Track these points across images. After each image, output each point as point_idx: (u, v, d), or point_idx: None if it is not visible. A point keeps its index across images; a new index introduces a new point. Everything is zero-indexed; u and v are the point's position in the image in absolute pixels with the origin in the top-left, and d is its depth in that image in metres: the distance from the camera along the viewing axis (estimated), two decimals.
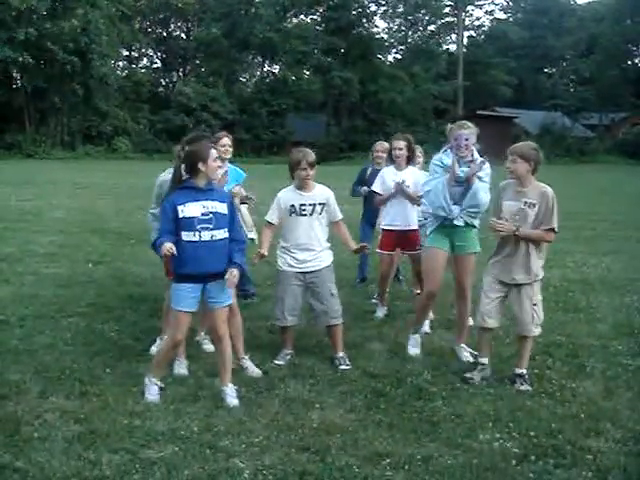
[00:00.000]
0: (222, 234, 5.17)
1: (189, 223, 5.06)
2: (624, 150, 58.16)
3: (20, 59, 44.40)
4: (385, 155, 8.77)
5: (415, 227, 7.81)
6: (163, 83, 66.28)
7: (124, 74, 62.56)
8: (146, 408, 5.03)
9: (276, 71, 68.52)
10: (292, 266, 6.23)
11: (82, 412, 4.92)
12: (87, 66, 48.33)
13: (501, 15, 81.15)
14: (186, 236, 5.07)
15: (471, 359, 6.32)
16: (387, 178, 7.88)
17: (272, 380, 5.71)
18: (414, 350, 6.52)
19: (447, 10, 72.80)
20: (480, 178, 6.18)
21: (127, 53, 65.43)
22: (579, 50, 70.72)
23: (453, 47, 74.86)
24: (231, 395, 5.27)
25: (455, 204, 6.22)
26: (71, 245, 11.97)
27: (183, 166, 5.19)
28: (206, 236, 5.09)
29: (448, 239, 6.41)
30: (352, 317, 7.69)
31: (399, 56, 72.82)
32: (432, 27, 73.84)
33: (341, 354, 6.26)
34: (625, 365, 6.24)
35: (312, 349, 6.57)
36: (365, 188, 8.86)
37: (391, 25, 72.99)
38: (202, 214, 5.08)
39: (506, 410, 5.11)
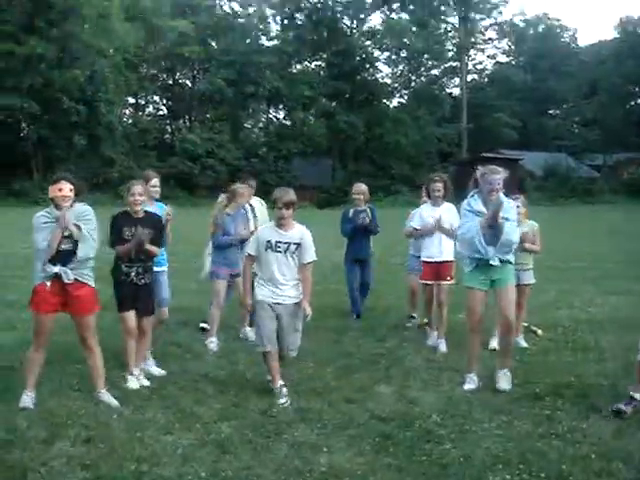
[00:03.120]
0: None
1: None
2: (630, 190, 58.16)
3: (26, 106, 44.89)
4: (362, 197, 10.04)
5: (450, 258, 8.63)
6: (169, 130, 66.82)
7: (130, 121, 63.17)
8: (153, 453, 5.00)
9: (281, 116, 69.18)
10: (265, 296, 6.48)
11: (89, 458, 4.89)
12: (94, 114, 48.85)
13: (503, 58, 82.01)
14: None
15: (506, 387, 6.59)
16: (425, 214, 8.73)
17: (280, 424, 5.66)
18: (468, 386, 6.70)
19: (450, 54, 73.55)
20: (507, 218, 6.52)
21: (133, 100, 66.09)
22: (582, 92, 71.17)
23: (457, 91, 75.49)
24: None
25: (489, 245, 6.53)
26: None
27: None
28: None
29: (486, 276, 6.70)
30: (360, 360, 7.73)
31: (403, 100, 73.37)
32: (435, 71, 74.51)
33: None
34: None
35: (319, 392, 6.52)
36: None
37: (395, 70, 73.64)
38: None
39: (516, 452, 5.07)
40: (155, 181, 7.84)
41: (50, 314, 6.07)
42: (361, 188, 10.12)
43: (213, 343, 8.38)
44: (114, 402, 6.13)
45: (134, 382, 6.73)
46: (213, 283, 8.77)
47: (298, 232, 6.51)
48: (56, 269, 5.94)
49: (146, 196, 7.05)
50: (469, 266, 6.77)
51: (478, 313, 6.79)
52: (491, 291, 6.83)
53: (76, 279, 6.03)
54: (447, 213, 8.64)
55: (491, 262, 6.55)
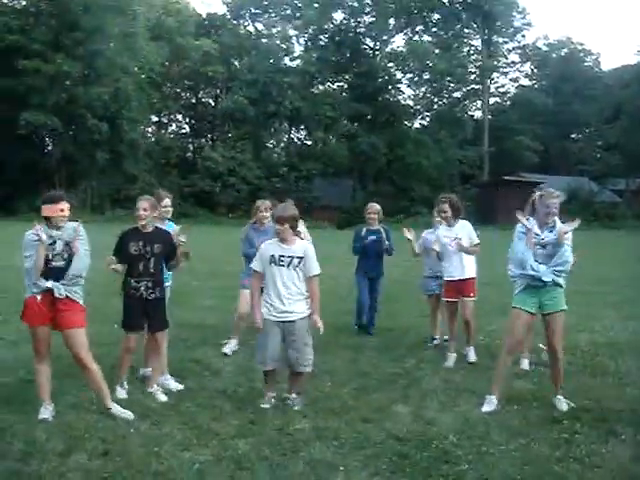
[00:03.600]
0: None
1: None
2: None
3: (50, 123, 45.38)
4: (376, 216, 10.32)
5: (471, 276, 8.87)
6: (191, 148, 67.24)
7: (153, 139, 63.67)
8: (170, 469, 5.01)
9: (303, 136, 69.48)
10: (272, 315, 6.57)
11: (105, 471, 4.91)
12: (117, 131, 49.31)
13: (526, 82, 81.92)
14: None
15: (565, 408, 6.60)
16: (441, 236, 8.91)
17: (296, 442, 5.65)
18: (486, 407, 6.68)
19: (473, 77, 73.61)
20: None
21: (156, 118, 66.62)
22: (605, 116, 70.90)
23: (479, 113, 75.52)
24: None
25: (541, 264, 6.59)
26: (97, 306, 12.00)
27: None
28: None
29: (535, 299, 6.72)
30: (377, 380, 7.70)
31: (425, 122, 73.46)
32: (458, 94, 74.50)
33: (294, 395, 6.75)
34: None
35: (336, 411, 6.50)
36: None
37: (417, 92, 73.77)
38: None
39: (533, 474, 5.03)
40: (167, 201, 7.93)
41: (42, 326, 6.10)
42: (375, 208, 10.44)
43: (230, 344, 8.93)
44: (126, 414, 6.19)
45: (122, 393, 6.84)
46: (240, 292, 9.08)
47: (300, 246, 6.65)
48: (49, 284, 6.02)
49: (156, 215, 7.16)
50: (519, 287, 6.81)
51: (519, 335, 6.83)
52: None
53: (67, 295, 6.09)
54: (462, 231, 8.84)
55: (544, 278, 6.56)
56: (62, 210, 6.10)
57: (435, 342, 9.82)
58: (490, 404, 6.70)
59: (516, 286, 6.89)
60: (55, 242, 6.08)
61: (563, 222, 6.72)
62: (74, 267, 6.09)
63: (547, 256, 6.60)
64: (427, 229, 10.18)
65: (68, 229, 6.18)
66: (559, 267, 6.61)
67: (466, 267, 8.82)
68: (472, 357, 8.70)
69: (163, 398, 6.82)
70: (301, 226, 9.88)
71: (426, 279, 9.94)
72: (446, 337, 9.40)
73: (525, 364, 8.40)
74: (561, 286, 6.75)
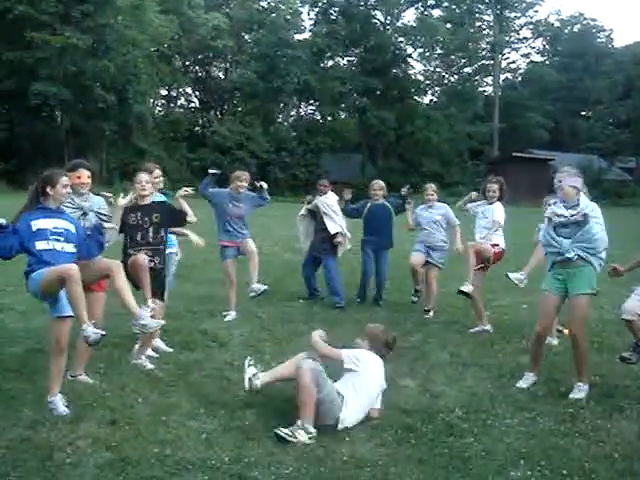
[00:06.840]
0: (71, 248, 5.59)
1: (42, 233, 5.45)
2: None
3: (60, 95, 45.25)
4: (381, 192, 10.86)
5: (497, 243, 9.18)
6: (200, 122, 66.94)
7: (162, 113, 63.45)
8: (177, 437, 5.06)
9: (312, 111, 69.14)
10: None
11: (113, 440, 4.96)
12: (125, 104, 49.13)
13: (537, 58, 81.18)
14: (40, 245, 5.43)
15: (579, 396, 6.29)
16: (480, 210, 9.48)
17: None
18: (520, 383, 6.67)
19: (483, 53, 73.01)
20: (588, 216, 6.42)
21: (165, 92, 66.35)
22: (616, 93, 70.27)
23: (489, 89, 74.94)
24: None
25: (564, 239, 6.48)
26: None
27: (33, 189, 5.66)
28: (58, 246, 5.48)
29: (562, 279, 6.54)
30: None
31: (435, 97, 73.00)
32: (468, 69, 73.92)
33: None
34: None
35: None
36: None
37: (427, 67, 73.19)
38: (54, 227, 5.51)
39: (538, 448, 5.06)
40: (157, 172, 8.04)
41: None
42: (379, 184, 11.03)
43: (230, 315, 9.38)
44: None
45: (146, 316, 6.67)
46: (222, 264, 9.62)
47: None
48: None
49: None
50: (548, 266, 6.73)
51: (547, 317, 6.70)
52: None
53: None
54: (493, 210, 9.30)
55: (567, 255, 6.37)
56: (79, 177, 6.21)
57: (419, 294, 10.66)
58: (526, 381, 6.68)
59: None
60: (86, 214, 6.24)
61: (592, 200, 6.68)
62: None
63: (573, 231, 6.44)
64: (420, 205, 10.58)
65: (93, 199, 6.38)
66: (585, 244, 6.39)
67: (493, 237, 9.19)
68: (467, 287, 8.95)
69: (149, 366, 6.91)
70: (331, 198, 10.69)
71: (419, 243, 10.40)
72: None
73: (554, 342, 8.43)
74: (592, 266, 6.49)
